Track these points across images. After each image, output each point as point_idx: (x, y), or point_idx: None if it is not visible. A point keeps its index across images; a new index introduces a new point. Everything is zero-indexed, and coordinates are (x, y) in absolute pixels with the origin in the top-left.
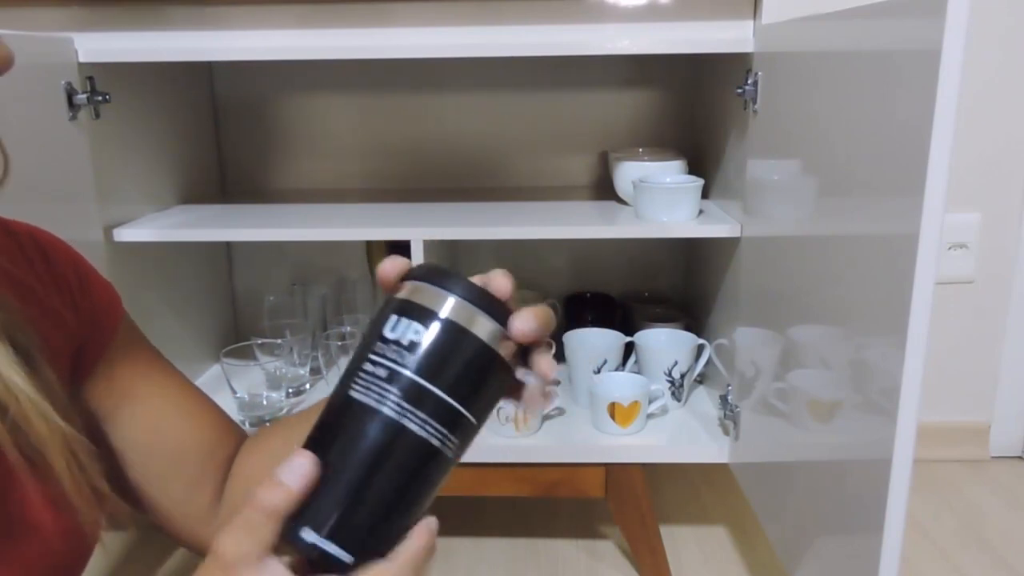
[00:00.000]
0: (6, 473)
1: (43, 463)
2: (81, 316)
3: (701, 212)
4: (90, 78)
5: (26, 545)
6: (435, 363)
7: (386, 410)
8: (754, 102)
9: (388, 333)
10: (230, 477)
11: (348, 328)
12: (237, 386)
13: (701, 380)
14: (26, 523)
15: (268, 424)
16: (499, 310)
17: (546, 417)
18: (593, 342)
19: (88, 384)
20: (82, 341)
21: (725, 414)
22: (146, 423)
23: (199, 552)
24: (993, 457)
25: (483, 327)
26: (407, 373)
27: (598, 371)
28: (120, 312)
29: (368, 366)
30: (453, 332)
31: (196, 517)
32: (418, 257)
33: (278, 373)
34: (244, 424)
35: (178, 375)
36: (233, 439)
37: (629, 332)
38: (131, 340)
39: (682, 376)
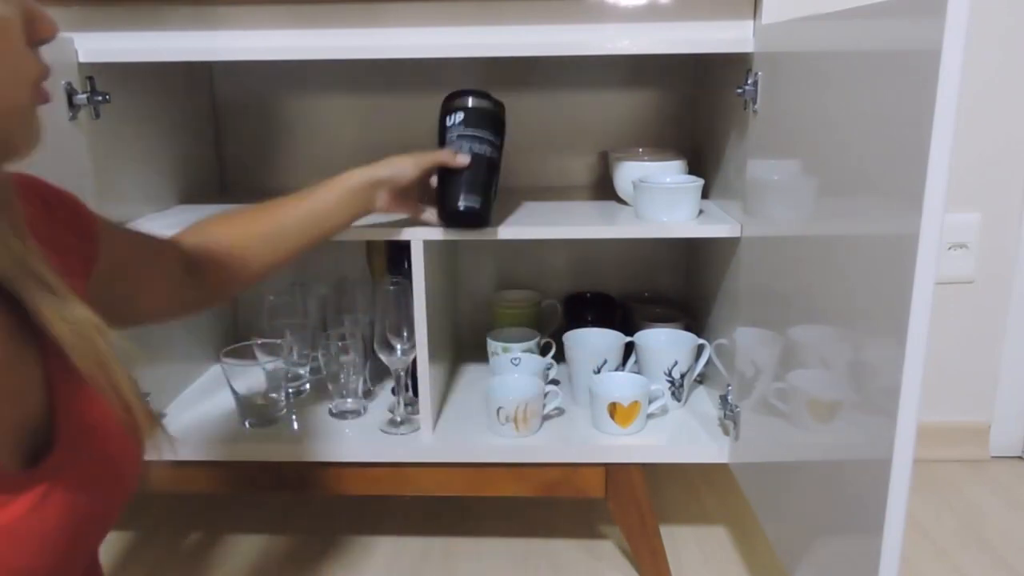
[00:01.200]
0: (79, 383)
1: (105, 374)
2: (82, 241)
3: (701, 212)
4: (90, 78)
5: (110, 446)
6: (469, 122)
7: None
8: (754, 102)
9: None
10: (202, 237)
11: (348, 328)
12: (237, 386)
13: (701, 380)
14: (105, 427)
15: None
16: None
17: (546, 417)
18: (593, 342)
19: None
20: (89, 266)
21: (725, 414)
22: (132, 286)
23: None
24: (993, 457)
25: (474, 102)
26: (462, 130)
27: (598, 371)
28: (90, 214)
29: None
30: (472, 108)
31: (183, 303)
32: (418, 257)
33: (278, 373)
34: (245, 426)
35: (138, 233)
36: (181, 249)
37: (629, 332)
38: (107, 233)
39: (682, 376)
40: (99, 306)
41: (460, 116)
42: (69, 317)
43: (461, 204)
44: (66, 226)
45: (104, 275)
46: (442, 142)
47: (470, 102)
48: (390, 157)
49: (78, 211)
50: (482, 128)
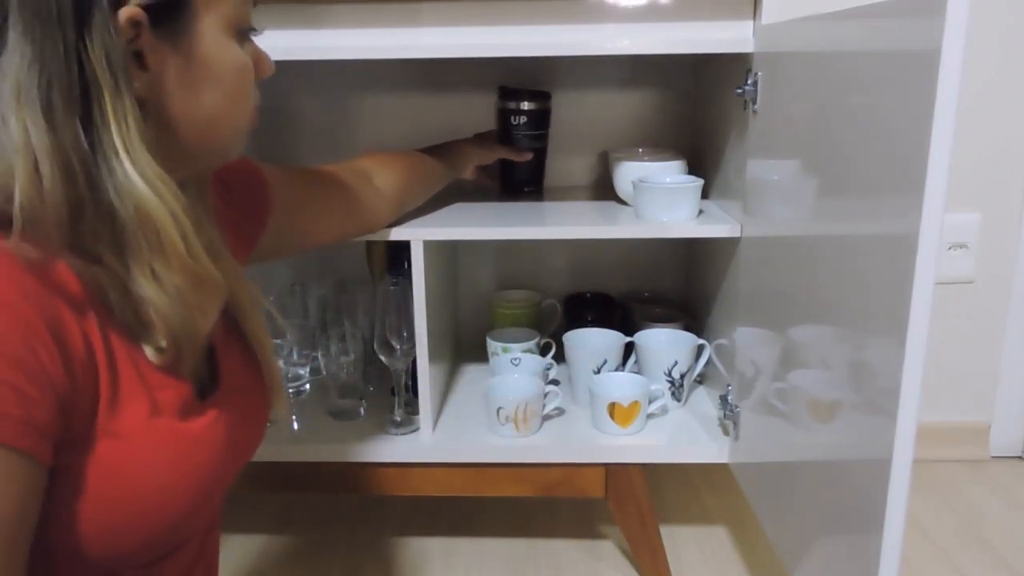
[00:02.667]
0: (231, 344)
1: (259, 336)
2: (253, 217)
3: (701, 212)
4: None
5: (251, 396)
6: (531, 124)
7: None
8: (754, 102)
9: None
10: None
11: (348, 328)
12: None
13: (701, 380)
14: (248, 382)
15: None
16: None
17: (546, 417)
18: (593, 342)
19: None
20: (260, 228)
21: (725, 414)
22: (308, 219)
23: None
24: (993, 457)
25: (534, 106)
26: (526, 131)
27: (598, 371)
28: (262, 180)
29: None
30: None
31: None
32: (418, 257)
33: None
34: None
35: (307, 175)
36: (362, 176)
37: (629, 332)
38: (278, 189)
39: (682, 376)
40: (281, 239)
41: (524, 119)
42: (245, 287)
43: (525, 188)
44: (241, 206)
45: (280, 219)
46: (505, 133)
47: (532, 105)
48: (476, 141)
49: (252, 183)
50: (540, 127)
